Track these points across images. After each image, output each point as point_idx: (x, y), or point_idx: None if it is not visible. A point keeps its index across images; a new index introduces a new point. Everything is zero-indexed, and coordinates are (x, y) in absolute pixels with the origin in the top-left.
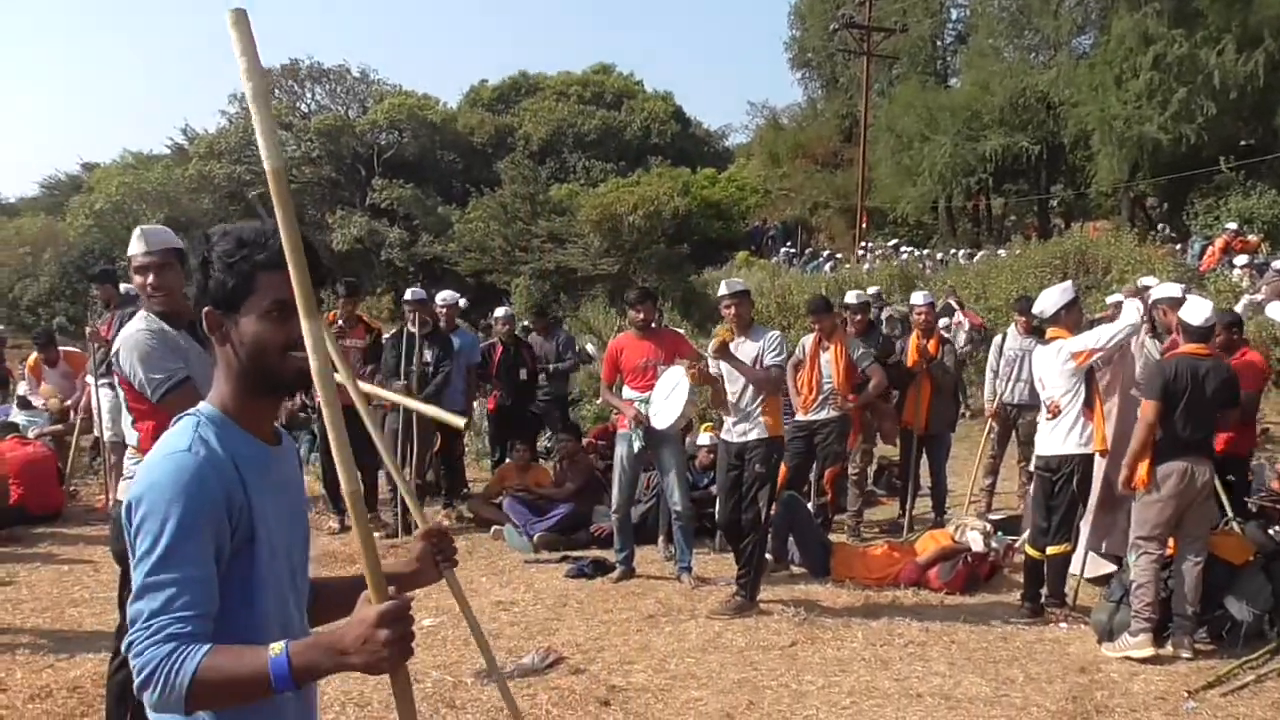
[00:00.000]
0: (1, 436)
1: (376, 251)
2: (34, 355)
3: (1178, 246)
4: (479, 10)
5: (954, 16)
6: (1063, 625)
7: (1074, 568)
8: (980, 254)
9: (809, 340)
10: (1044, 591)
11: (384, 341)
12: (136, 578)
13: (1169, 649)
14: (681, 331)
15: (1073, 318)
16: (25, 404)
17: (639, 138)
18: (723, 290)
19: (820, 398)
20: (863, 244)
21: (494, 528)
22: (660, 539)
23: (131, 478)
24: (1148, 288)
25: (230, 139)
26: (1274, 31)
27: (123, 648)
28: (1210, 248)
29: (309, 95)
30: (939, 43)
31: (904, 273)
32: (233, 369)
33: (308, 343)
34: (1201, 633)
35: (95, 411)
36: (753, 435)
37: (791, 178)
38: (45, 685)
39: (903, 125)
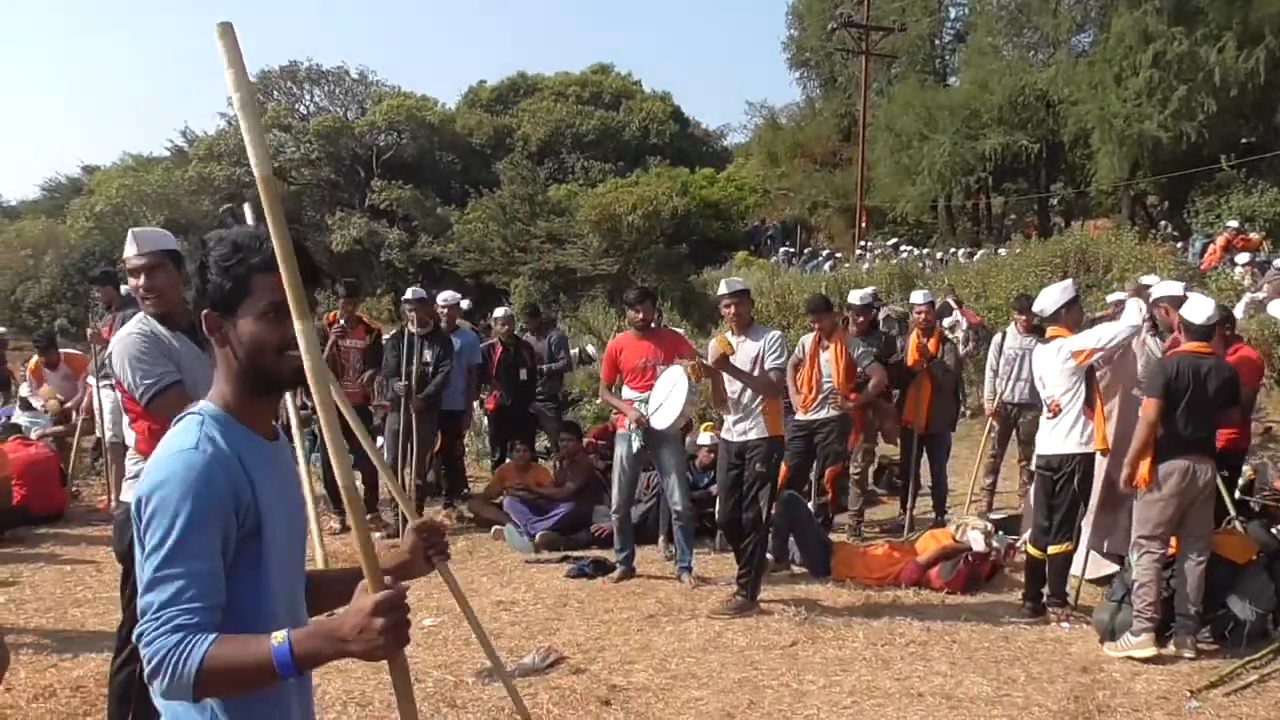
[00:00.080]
0: (4, 438)
1: (376, 253)
2: (35, 358)
3: (1179, 245)
4: (477, 11)
5: (953, 15)
6: (1064, 625)
7: (1075, 568)
8: (980, 253)
9: (809, 339)
10: (1045, 591)
11: (384, 342)
12: (146, 571)
13: (1171, 649)
14: (681, 331)
15: (1073, 316)
16: (27, 405)
17: (637, 138)
18: (722, 289)
19: (820, 397)
20: (862, 243)
21: (494, 528)
22: (660, 539)
23: (134, 477)
24: (1149, 286)
25: (229, 141)
26: (1274, 29)
27: (133, 637)
28: (1211, 246)
29: (308, 97)
30: (937, 41)
31: (903, 272)
32: (232, 369)
33: (301, 344)
34: (1204, 632)
35: (97, 413)
36: (753, 434)
37: (790, 177)
38: (49, 685)
39: (902, 124)
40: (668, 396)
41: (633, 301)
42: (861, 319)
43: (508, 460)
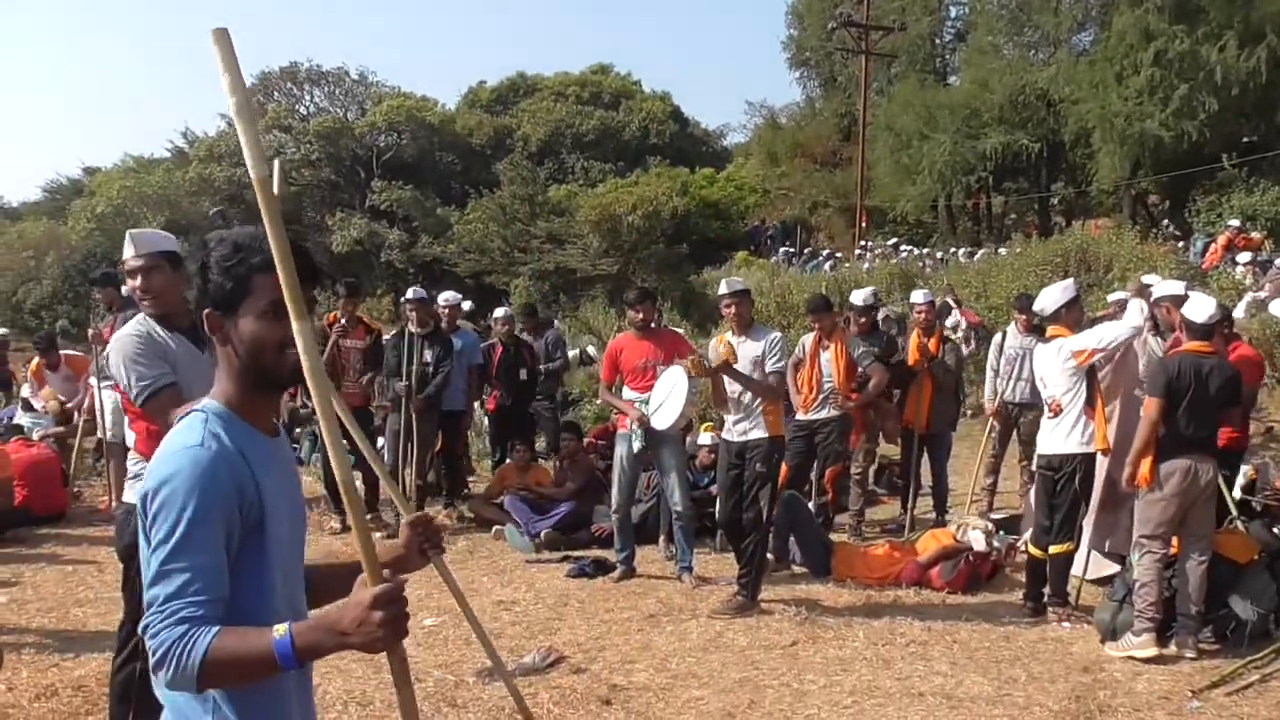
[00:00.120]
0: (6, 439)
1: (376, 253)
2: (36, 360)
3: (1180, 244)
4: (477, 11)
5: (953, 14)
6: (1065, 624)
7: (1076, 568)
8: (981, 252)
9: (809, 339)
10: (1046, 591)
11: (384, 342)
12: (152, 564)
13: (1173, 648)
14: (681, 332)
15: (1073, 316)
16: (29, 406)
17: (637, 138)
18: (723, 289)
19: (820, 397)
20: (862, 243)
21: (495, 528)
22: (661, 539)
23: (135, 478)
24: (1150, 286)
25: (230, 142)
26: (1276, 27)
27: (140, 629)
28: (1213, 245)
29: (308, 98)
30: (938, 40)
31: (904, 271)
32: (233, 367)
33: (298, 343)
34: (1206, 632)
35: (98, 413)
36: (754, 434)
37: (790, 177)
38: (50, 684)
39: (902, 124)
40: (668, 397)
41: (633, 302)
42: (864, 319)
43: (508, 460)
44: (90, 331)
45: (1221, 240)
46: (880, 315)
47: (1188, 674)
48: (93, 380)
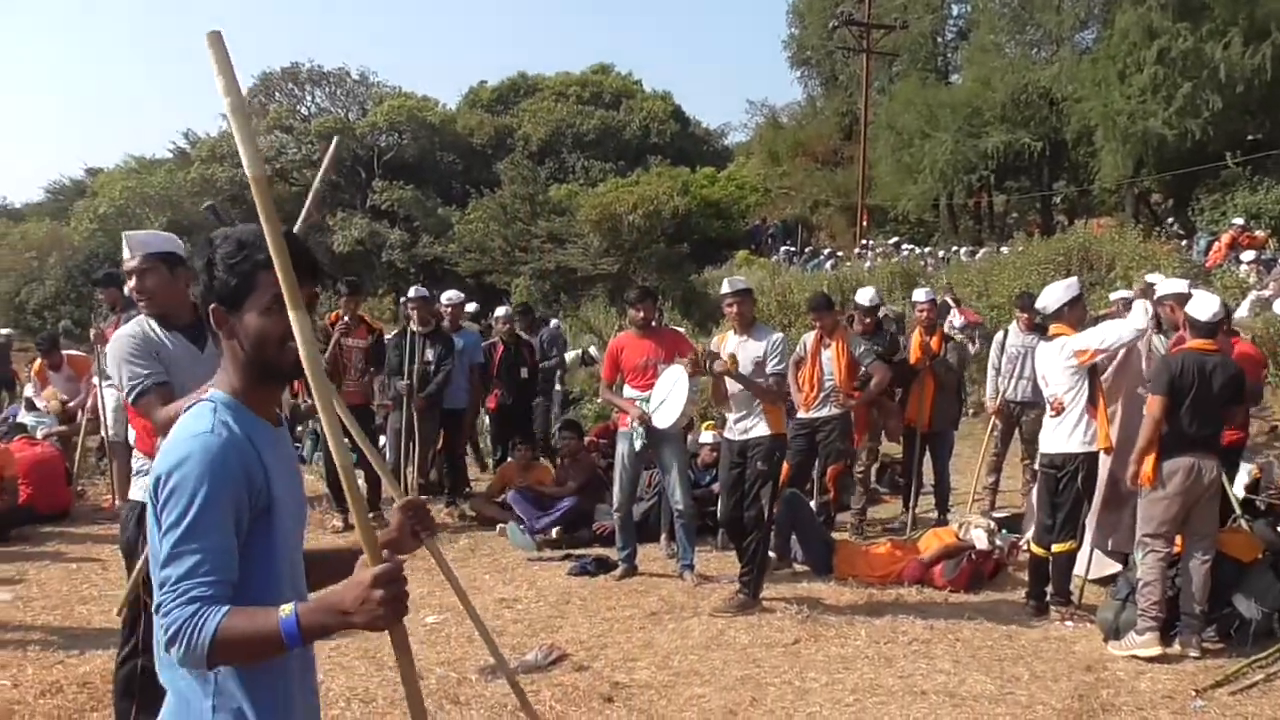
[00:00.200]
0: (10, 438)
1: (377, 253)
2: (39, 360)
3: (1183, 242)
4: (478, 11)
5: (955, 12)
6: (1068, 623)
7: (1079, 568)
8: (982, 251)
9: (810, 338)
10: (1049, 590)
11: (386, 341)
12: (164, 546)
13: (1176, 647)
14: (682, 330)
15: (1075, 314)
16: (32, 406)
17: (638, 137)
18: (725, 288)
19: (822, 395)
20: (863, 242)
21: (499, 526)
22: (662, 537)
23: (140, 473)
24: (1154, 285)
25: (231, 143)
26: None
27: (153, 608)
28: (1216, 243)
29: (309, 98)
30: (939, 39)
31: (905, 271)
32: (238, 360)
33: (295, 332)
34: (1209, 631)
35: (101, 412)
36: (755, 433)
37: (791, 176)
38: (55, 681)
39: (903, 122)
40: (669, 395)
41: (634, 300)
42: (868, 319)
43: (509, 459)
44: (93, 331)
45: (1225, 239)
46: (880, 313)
47: (1191, 673)
48: (95, 380)
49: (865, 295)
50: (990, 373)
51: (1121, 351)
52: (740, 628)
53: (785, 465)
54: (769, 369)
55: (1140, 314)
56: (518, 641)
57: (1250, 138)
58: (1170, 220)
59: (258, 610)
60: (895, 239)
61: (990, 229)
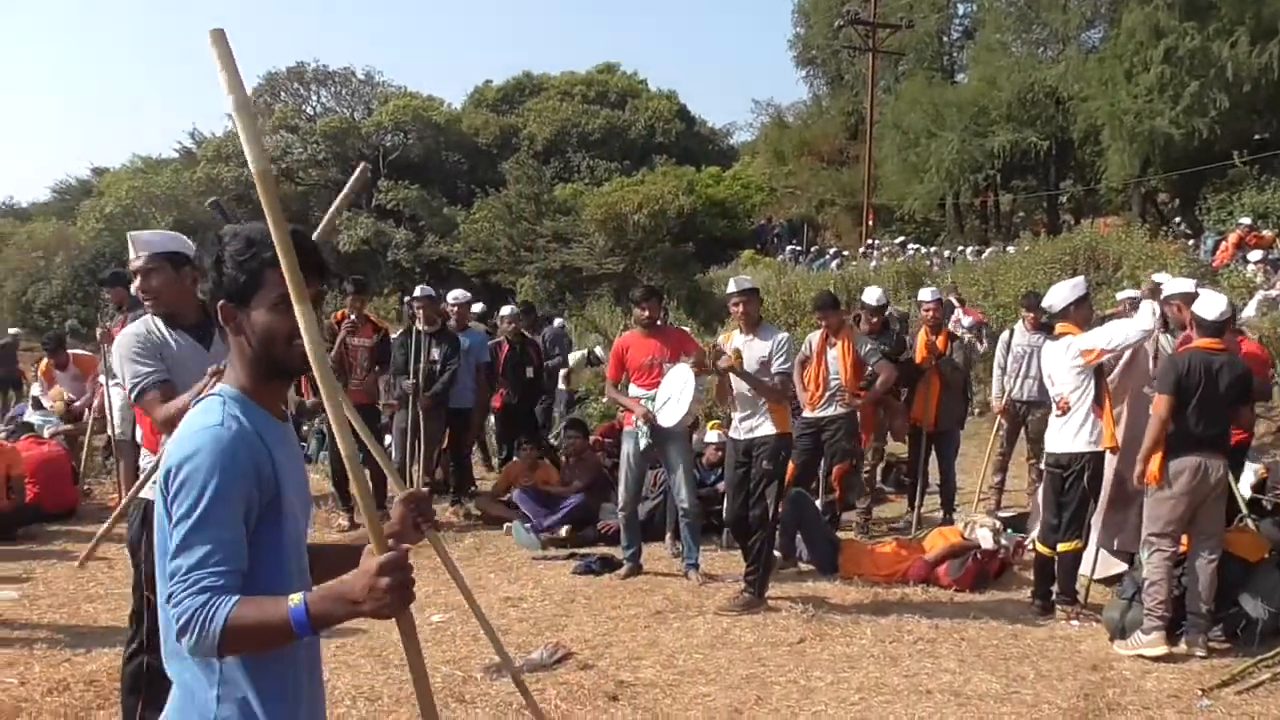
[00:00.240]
0: (17, 436)
1: (383, 253)
2: (45, 360)
3: (1190, 242)
4: (483, 11)
5: (960, 11)
6: (1074, 623)
7: (1084, 568)
8: (988, 251)
9: (815, 337)
10: (1055, 589)
11: (391, 341)
12: (175, 537)
13: (1182, 647)
14: (687, 329)
15: (1082, 313)
16: (39, 405)
17: (643, 137)
18: (731, 288)
19: (827, 394)
20: (869, 241)
21: (506, 525)
22: (668, 536)
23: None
24: (1161, 285)
25: (237, 142)
26: None
27: (163, 599)
28: (1223, 243)
29: (314, 98)
30: (945, 38)
31: (911, 270)
32: (246, 355)
33: (300, 323)
34: (1216, 630)
35: (107, 411)
36: (760, 431)
37: (797, 175)
38: (62, 679)
39: (909, 122)
40: (674, 394)
41: (639, 299)
42: (875, 319)
43: (514, 458)
44: (99, 331)
45: (1232, 238)
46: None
47: (1197, 672)
48: (102, 378)
49: (872, 295)
50: (996, 372)
51: (1128, 352)
52: (745, 627)
53: (791, 464)
54: (774, 368)
55: (1147, 315)
56: (523, 640)
57: (1257, 137)
58: (1177, 220)
59: (267, 599)
60: (901, 238)
61: (996, 228)
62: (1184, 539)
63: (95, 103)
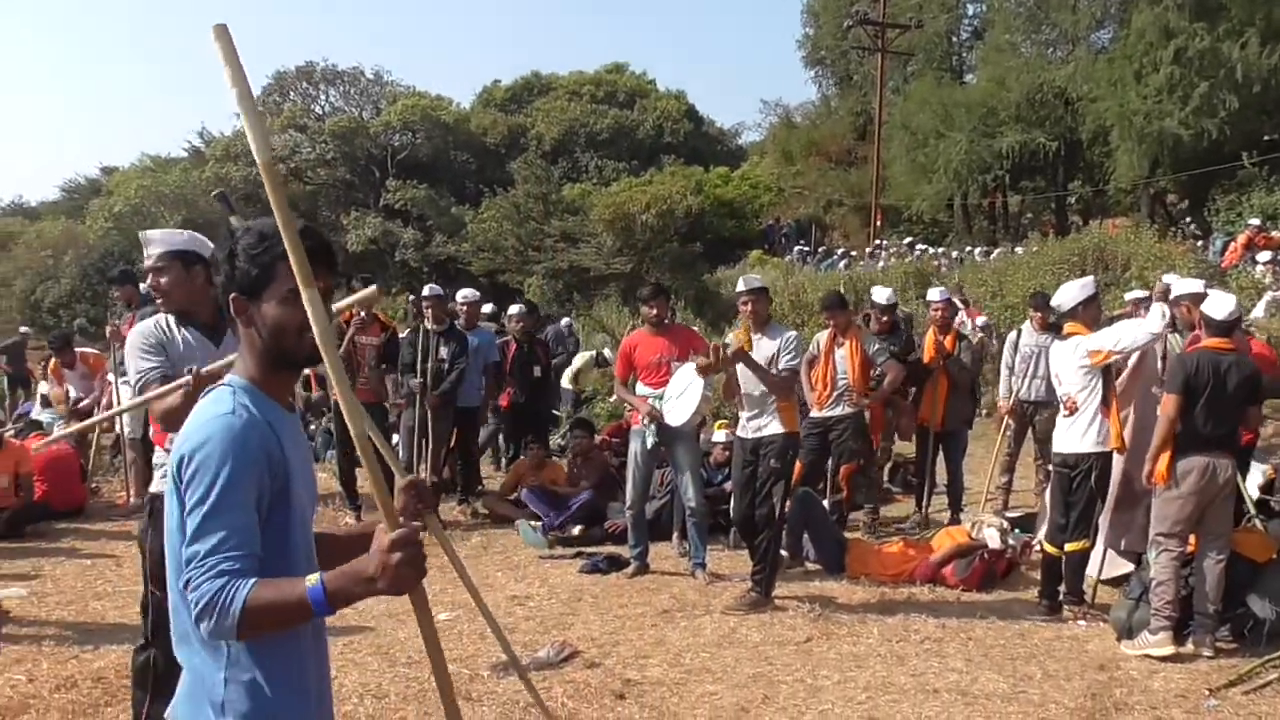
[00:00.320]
0: (25, 434)
1: (391, 252)
2: (53, 360)
3: (1199, 243)
4: (491, 11)
5: (970, 12)
6: (1081, 623)
7: (1092, 568)
8: (997, 251)
9: (823, 336)
10: (1062, 589)
11: (400, 339)
12: (190, 524)
13: (1189, 647)
14: (694, 329)
15: (1090, 313)
16: (48, 403)
17: (651, 137)
18: (740, 287)
19: (835, 394)
20: (877, 241)
21: (517, 522)
22: (675, 535)
23: (160, 466)
24: (1170, 286)
25: (245, 141)
26: None
27: (180, 584)
28: (1232, 244)
29: (323, 97)
30: (954, 38)
31: (919, 270)
32: (256, 347)
33: (307, 310)
34: (1223, 631)
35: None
36: (768, 431)
37: (805, 176)
38: (70, 676)
39: (918, 122)
40: (682, 393)
41: (646, 298)
42: (885, 318)
43: (521, 457)
44: (108, 329)
45: (1241, 239)
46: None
47: (1205, 672)
48: (110, 377)
49: (882, 294)
50: (1004, 372)
51: (1136, 354)
52: (752, 626)
53: (798, 464)
54: (781, 364)
55: (1157, 318)
56: (530, 639)
57: (1267, 138)
58: (1186, 220)
59: (284, 581)
60: (909, 239)
61: (1005, 229)
62: (1192, 539)
63: (94, 102)
